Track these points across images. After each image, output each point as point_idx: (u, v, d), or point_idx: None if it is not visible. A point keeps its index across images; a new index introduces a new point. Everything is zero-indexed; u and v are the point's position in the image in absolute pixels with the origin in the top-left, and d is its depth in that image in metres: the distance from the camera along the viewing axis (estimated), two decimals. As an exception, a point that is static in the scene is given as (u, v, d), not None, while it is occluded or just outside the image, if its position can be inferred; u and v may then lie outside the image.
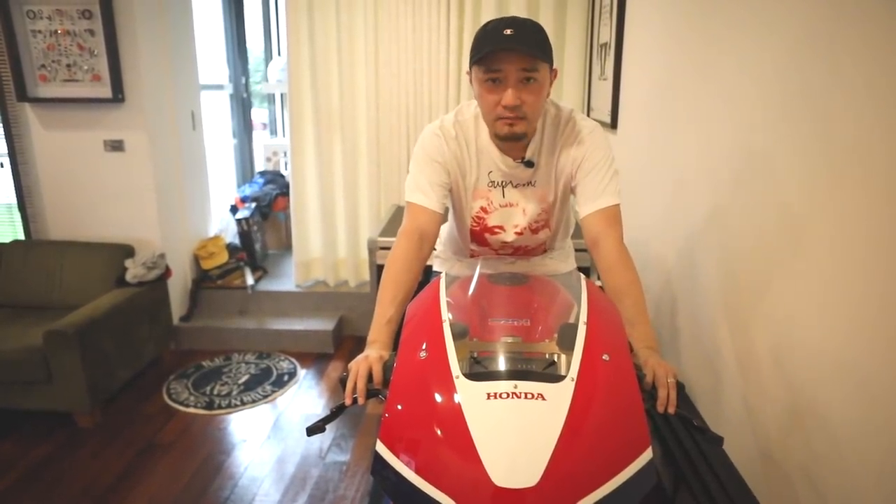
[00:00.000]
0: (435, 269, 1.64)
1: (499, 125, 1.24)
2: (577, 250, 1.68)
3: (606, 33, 2.60)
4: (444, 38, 3.18)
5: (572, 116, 1.35)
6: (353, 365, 1.06)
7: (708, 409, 1.54)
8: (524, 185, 1.38)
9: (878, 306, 0.90)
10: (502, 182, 1.38)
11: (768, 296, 1.22)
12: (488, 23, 1.21)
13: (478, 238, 1.48)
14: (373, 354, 1.08)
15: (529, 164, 1.35)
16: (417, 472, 0.79)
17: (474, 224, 1.45)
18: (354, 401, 1.03)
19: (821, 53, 1.04)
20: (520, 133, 1.24)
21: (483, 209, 1.42)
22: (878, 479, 0.90)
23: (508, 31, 1.15)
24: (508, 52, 1.15)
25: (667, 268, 1.88)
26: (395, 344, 1.07)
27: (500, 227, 1.44)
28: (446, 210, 1.43)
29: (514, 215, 1.42)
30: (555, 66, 1.26)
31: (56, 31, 2.87)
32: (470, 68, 1.25)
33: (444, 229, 1.63)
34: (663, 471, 1.60)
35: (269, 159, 4.69)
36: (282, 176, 4.29)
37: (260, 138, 4.89)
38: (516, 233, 1.43)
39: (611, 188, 1.30)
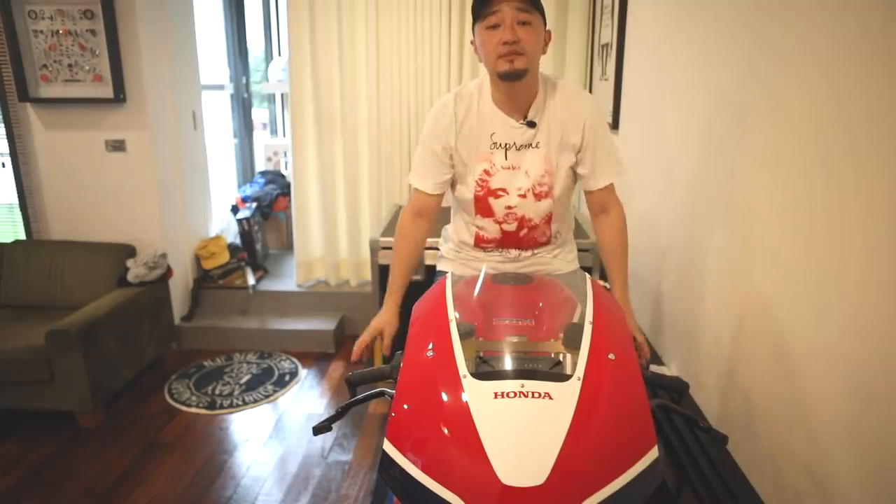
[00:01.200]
0: (439, 268, 1.64)
1: (500, 63, 1.31)
2: (579, 250, 1.68)
3: (608, 34, 2.61)
4: (446, 39, 3.19)
5: (565, 81, 1.47)
6: (374, 324, 1.43)
7: (712, 406, 1.54)
8: (526, 146, 1.43)
9: (879, 300, 0.90)
10: (505, 144, 1.43)
11: (770, 293, 1.23)
12: None
13: (482, 206, 1.48)
14: (385, 324, 1.44)
15: (531, 124, 1.40)
16: (425, 470, 0.79)
17: (478, 188, 1.46)
18: (361, 362, 1.32)
19: (819, 53, 1.05)
20: (521, 69, 1.30)
21: (486, 171, 1.44)
22: (879, 477, 0.91)
23: None
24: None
25: (667, 267, 1.89)
26: (406, 316, 1.19)
27: (503, 190, 1.46)
28: (447, 183, 1.51)
29: (517, 177, 1.44)
30: (548, 28, 1.37)
31: (58, 31, 2.87)
32: (473, 32, 1.36)
33: (450, 227, 1.63)
34: (666, 469, 1.60)
35: (269, 159, 4.69)
36: (282, 176, 4.29)
37: (260, 138, 4.88)
38: (519, 195, 1.45)
39: (614, 161, 1.47)
